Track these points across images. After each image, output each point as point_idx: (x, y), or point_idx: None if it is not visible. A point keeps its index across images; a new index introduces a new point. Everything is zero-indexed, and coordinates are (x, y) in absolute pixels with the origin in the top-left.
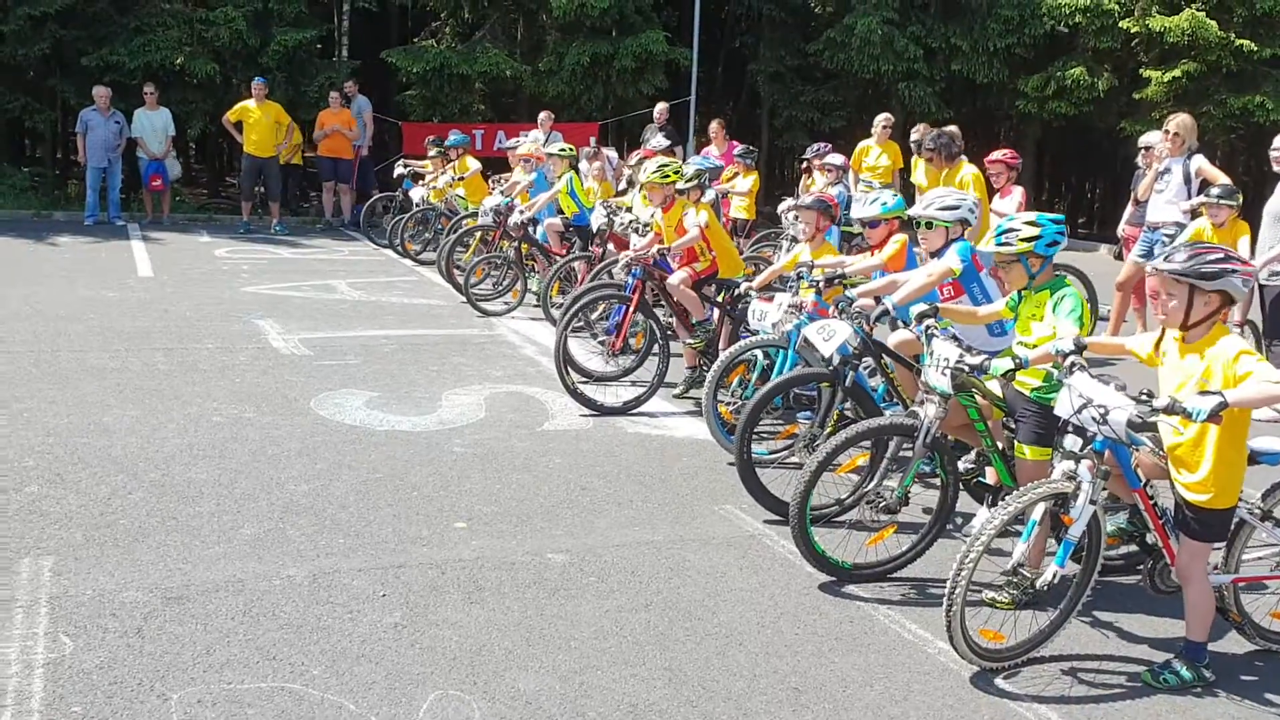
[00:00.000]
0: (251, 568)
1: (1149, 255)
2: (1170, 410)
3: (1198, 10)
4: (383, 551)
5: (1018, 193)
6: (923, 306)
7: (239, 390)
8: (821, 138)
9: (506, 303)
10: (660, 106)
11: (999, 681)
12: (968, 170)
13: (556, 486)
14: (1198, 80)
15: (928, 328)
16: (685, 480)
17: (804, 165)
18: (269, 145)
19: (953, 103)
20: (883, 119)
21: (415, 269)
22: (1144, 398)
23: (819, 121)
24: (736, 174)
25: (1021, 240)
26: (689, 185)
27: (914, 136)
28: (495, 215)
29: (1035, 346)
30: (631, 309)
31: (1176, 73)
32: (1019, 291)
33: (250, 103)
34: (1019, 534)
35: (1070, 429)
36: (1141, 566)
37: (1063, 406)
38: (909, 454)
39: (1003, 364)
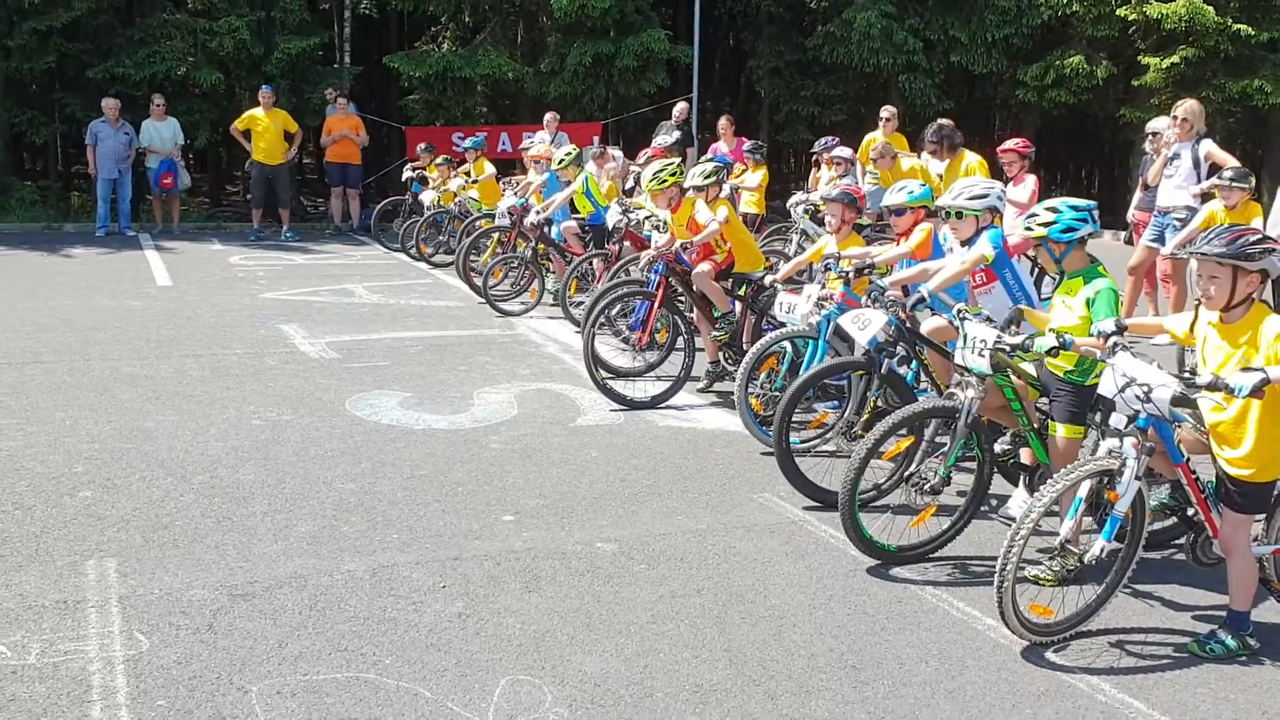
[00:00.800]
0: (311, 564)
1: (1160, 240)
2: (1213, 387)
3: None
4: (437, 545)
5: (1030, 180)
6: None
7: (273, 394)
8: (822, 132)
9: (524, 303)
10: (680, 106)
11: (1050, 655)
12: (971, 158)
13: (596, 479)
14: (1196, 66)
15: (959, 311)
16: (721, 470)
17: (813, 159)
18: (278, 153)
19: (951, 94)
20: (886, 111)
21: (430, 271)
22: (1187, 375)
23: (819, 116)
24: (745, 169)
25: (1039, 225)
26: (708, 182)
27: (872, 154)
28: (510, 216)
29: (1062, 332)
30: (656, 305)
31: (1175, 59)
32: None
33: (258, 111)
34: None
35: (1102, 407)
36: (1179, 541)
37: (1106, 385)
38: (943, 437)
39: (1045, 342)
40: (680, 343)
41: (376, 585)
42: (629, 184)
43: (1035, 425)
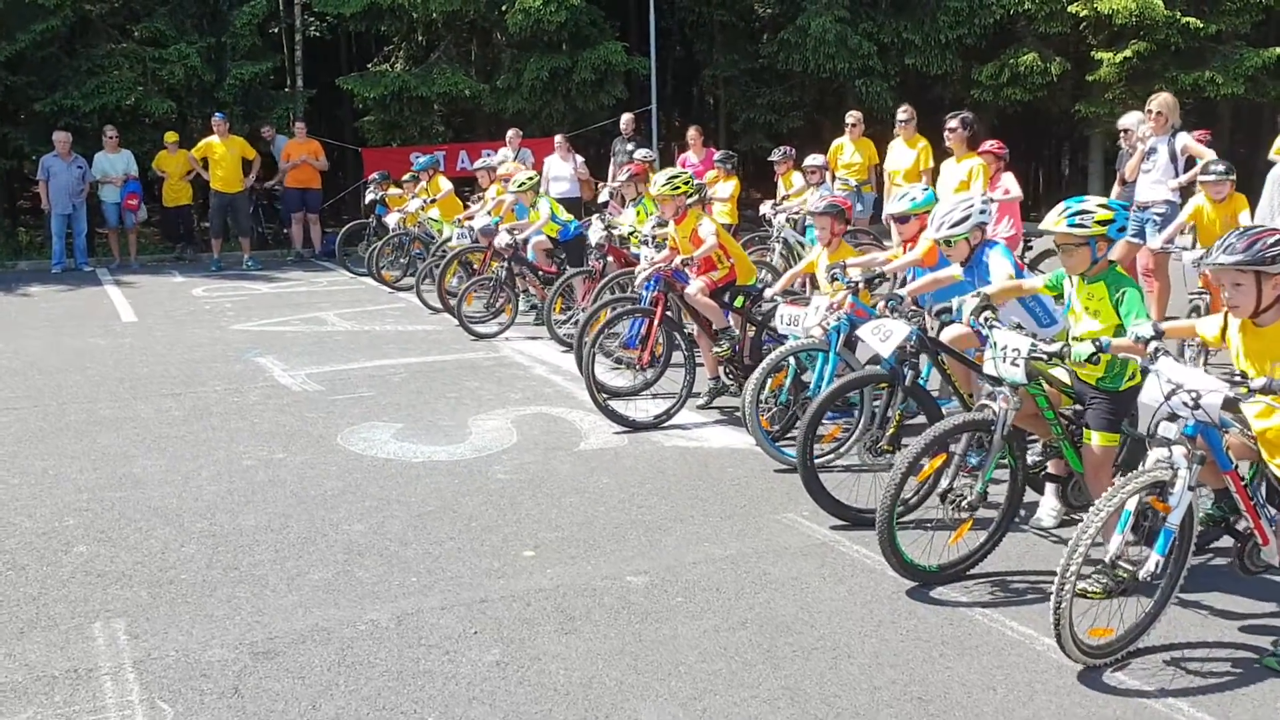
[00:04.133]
0: (331, 614)
1: (1141, 235)
2: (1268, 390)
3: None
4: (460, 587)
5: (1008, 179)
6: (974, 299)
7: (261, 431)
8: (780, 139)
9: (500, 323)
10: (626, 117)
11: (1119, 675)
12: (975, 161)
13: (613, 507)
14: (1147, 59)
15: (988, 320)
16: (738, 491)
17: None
18: (236, 180)
19: (907, 96)
20: (852, 117)
21: (402, 296)
22: (1238, 379)
23: (777, 123)
24: (717, 179)
25: (1097, 223)
26: (691, 202)
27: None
28: (483, 235)
29: (1084, 339)
30: (656, 322)
31: (1127, 53)
32: (1072, 277)
33: (214, 139)
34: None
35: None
36: (1212, 545)
37: (1150, 393)
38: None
39: (1083, 349)
40: (679, 358)
41: (404, 635)
42: (603, 197)
43: (1068, 434)
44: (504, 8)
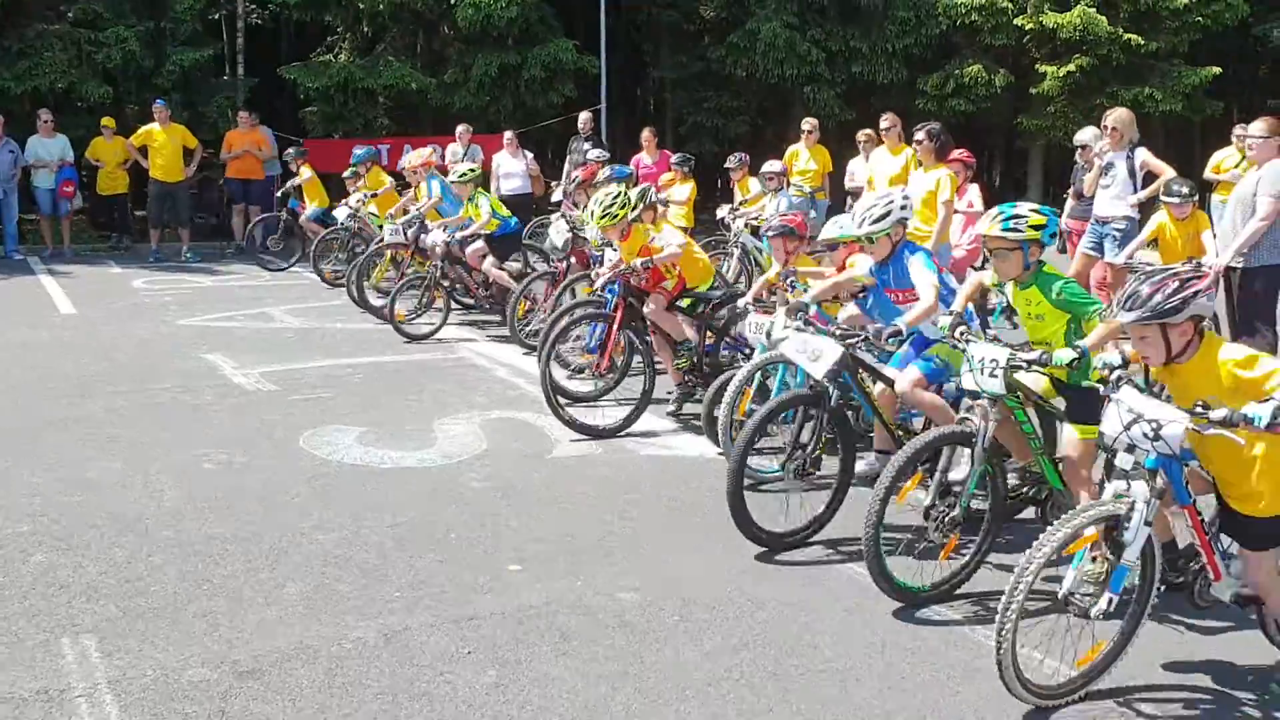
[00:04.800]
0: (315, 631)
1: (1099, 248)
2: (1228, 422)
3: (1088, 6)
4: (446, 603)
5: (973, 191)
6: (948, 318)
7: (219, 433)
8: (726, 143)
9: (433, 323)
10: (584, 116)
11: (1141, 705)
12: (942, 172)
13: (594, 519)
14: (1090, 74)
15: (962, 334)
16: (718, 502)
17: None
18: (176, 169)
19: (854, 104)
20: (808, 123)
21: (343, 292)
22: (1199, 410)
23: (724, 127)
24: (674, 181)
25: (1030, 227)
26: (635, 215)
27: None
28: (406, 231)
29: (1041, 342)
30: (616, 327)
31: (1070, 67)
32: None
33: (154, 126)
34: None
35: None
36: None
37: (1110, 423)
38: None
39: (1064, 355)
40: (639, 362)
41: (394, 653)
42: (556, 196)
43: (1045, 450)
44: (453, 1)
